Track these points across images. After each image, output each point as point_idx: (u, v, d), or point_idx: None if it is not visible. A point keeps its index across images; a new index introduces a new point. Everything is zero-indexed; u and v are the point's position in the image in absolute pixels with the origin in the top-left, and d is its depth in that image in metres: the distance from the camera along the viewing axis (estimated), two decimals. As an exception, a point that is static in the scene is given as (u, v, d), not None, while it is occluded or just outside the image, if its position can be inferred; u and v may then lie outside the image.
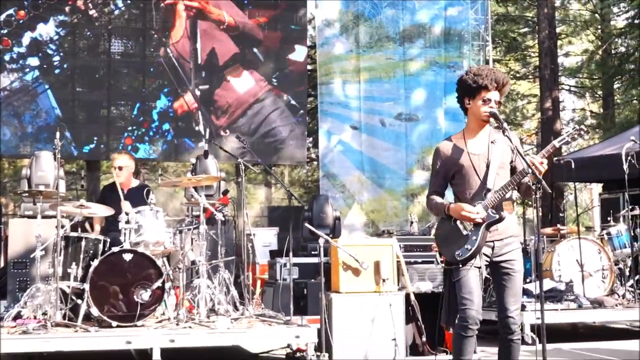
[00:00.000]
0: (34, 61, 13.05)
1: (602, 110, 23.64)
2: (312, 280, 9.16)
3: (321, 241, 7.11)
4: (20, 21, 12.96)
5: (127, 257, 6.85)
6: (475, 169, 4.79)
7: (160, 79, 13.61)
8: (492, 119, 4.81)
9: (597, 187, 19.22)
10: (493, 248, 4.77)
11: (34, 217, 7.73)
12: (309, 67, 16.62)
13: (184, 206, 9.12)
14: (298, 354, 7.18)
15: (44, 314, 6.68)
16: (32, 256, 7.22)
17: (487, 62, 15.07)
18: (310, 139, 19.13)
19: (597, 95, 24.70)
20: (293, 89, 14.38)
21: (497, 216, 4.68)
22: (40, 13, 13.06)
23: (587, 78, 24.30)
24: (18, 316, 6.77)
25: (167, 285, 6.99)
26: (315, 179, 19.18)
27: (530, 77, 24.05)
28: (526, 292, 8.38)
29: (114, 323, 6.63)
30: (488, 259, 4.78)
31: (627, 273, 9.63)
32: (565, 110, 26.19)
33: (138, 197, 7.72)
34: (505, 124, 4.72)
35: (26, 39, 12.98)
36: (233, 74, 13.95)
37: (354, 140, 14.51)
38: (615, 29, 22.10)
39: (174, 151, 14.14)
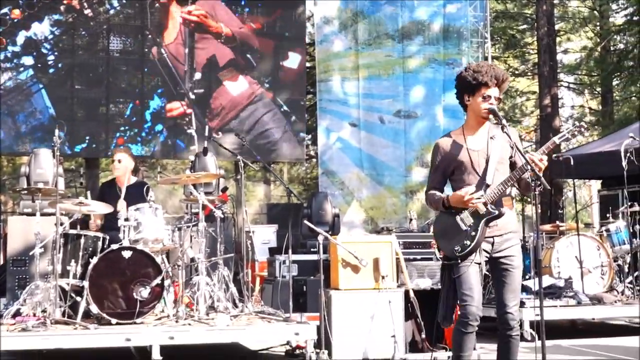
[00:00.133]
0: (28, 60, 13.04)
1: (601, 107, 23.65)
2: (312, 277, 9.16)
3: (320, 238, 7.11)
4: (15, 20, 12.93)
5: (126, 254, 6.84)
6: (474, 165, 4.79)
7: (155, 79, 13.59)
8: (491, 116, 4.81)
9: (596, 184, 19.28)
10: (493, 244, 4.77)
11: (33, 214, 7.72)
12: (307, 64, 16.63)
13: (183, 203, 9.11)
14: (297, 351, 7.18)
15: (43, 311, 6.67)
16: (31, 254, 7.22)
17: (486, 59, 15.07)
18: (309, 136, 19.13)
19: (596, 92, 24.69)
20: (287, 95, 14.39)
21: (497, 212, 4.68)
22: (35, 12, 13.04)
23: (586, 75, 24.31)
24: (17, 314, 6.76)
25: (167, 282, 6.99)
26: (314, 176, 19.17)
27: (529, 74, 24.04)
28: (525, 289, 8.39)
29: (114, 320, 6.63)
30: (488, 255, 4.78)
31: (626, 269, 9.63)
32: (564, 107, 26.21)
33: (137, 194, 7.71)
34: (504, 121, 4.73)
35: (21, 38, 12.97)
36: (228, 78, 13.95)
37: (353, 137, 14.51)
38: (614, 25, 22.10)
39: (166, 153, 14.19)
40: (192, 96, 13.67)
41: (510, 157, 4.84)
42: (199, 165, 9.38)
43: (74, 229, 7.20)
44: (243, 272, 7.90)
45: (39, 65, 13.08)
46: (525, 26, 23.84)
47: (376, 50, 14.83)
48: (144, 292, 6.74)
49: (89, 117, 13.35)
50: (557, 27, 21.78)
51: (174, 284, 7.37)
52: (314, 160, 19.69)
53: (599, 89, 23.79)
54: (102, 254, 6.87)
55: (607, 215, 10.31)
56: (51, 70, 13.21)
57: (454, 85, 4.98)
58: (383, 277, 6.96)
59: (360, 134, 14.52)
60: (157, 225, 7.24)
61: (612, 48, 22.29)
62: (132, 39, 13.56)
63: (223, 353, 7.54)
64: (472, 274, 4.69)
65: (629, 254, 9.61)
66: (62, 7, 13.22)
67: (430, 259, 9.07)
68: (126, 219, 7.14)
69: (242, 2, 14.28)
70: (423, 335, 7.05)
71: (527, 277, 8.99)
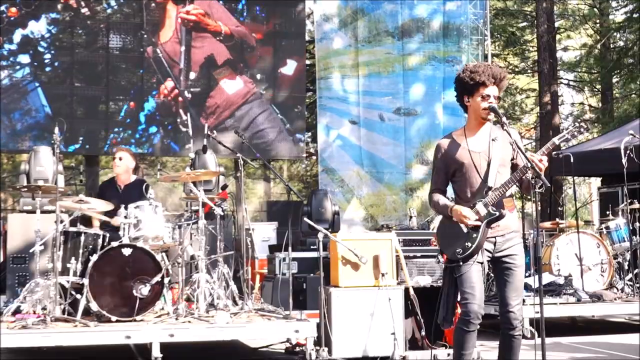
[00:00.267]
0: (25, 58, 13.02)
1: (600, 105, 23.64)
2: (311, 274, 9.18)
3: (320, 236, 7.11)
4: (12, 18, 12.91)
5: (126, 252, 6.84)
6: (476, 166, 4.79)
7: (150, 79, 13.58)
8: (491, 115, 4.81)
9: (596, 181, 19.26)
10: (495, 244, 4.77)
11: (33, 212, 7.72)
12: (307, 62, 16.62)
13: (182, 201, 9.13)
14: (297, 349, 7.18)
15: (44, 308, 6.67)
16: (31, 251, 7.22)
17: (485, 57, 15.08)
18: (309, 133, 19.12)
19: (596, 90, 24.68)
20: (283, 98, 14.39)
21: (498, 214, 4.69)
22: (31, 10, 13.02)
23: (585, 72, 24.29)
24: (17, 311, 6.77)
25: (166, 280, 6.99)
26: (314, 174, 19.18)
27: (529, 71, 24.01)
28: (525, 286, 8.36)
29: (113, 318, 6.63)
30: (490, 255, 4.78)
31: (626, 267, 9.64)
32: (564, 104, 26.16)
33: (136, 192, 7.72)
34: (504, 119, 4.72)
35: (17, 36, 12.95)
36: (224, 76, 13.94)
37: (353, 134, 14.51)
38: (613, 23, 22.09)
39: (159, 155, 14.19)
40: (188, 95, 13.66)
41: (512, 158, 4.84)
42: (198, 163, 9.38)
43: (74, 226, 7.20)
44: (243, 270, 7.90)
45: (36, 63, 13.07)
46: (525, 24, 23.81)
47: (376, 47, 14.83)
48: (144, 290, 6.74)
49: (86, 114, 13.34)
50: (557, 24, 21.78)
51: (174, 282, 7.38)
52: (314, 157, 19.68)
53: (598, 87, 23.79)
54: (102, 251, 6.87)
55: (607, 212, 10.31)
56: (48, 69, 13.19)
57: (454, 87, 4.99)
58: (383, 275, 6.96)
59: (360, 131, 14.52)
60: (157, 222, 7.25)
61: (612, 45, 22.28)
62: (131, 36, 13.55)
63: (223, 350, 7.54)
64: (474, 272, 4.70)
65: (629, 252, 9.62)
66: (59, 6, 13.20)
67: (430, 257, 9.07)
68: (126, 217, 7.15)
69: (240, 4, 14.26)
70: (423, 333, 7.05)
71: (527, 274, 8.98)
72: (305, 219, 7.98)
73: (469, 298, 4.66)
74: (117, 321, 6.63)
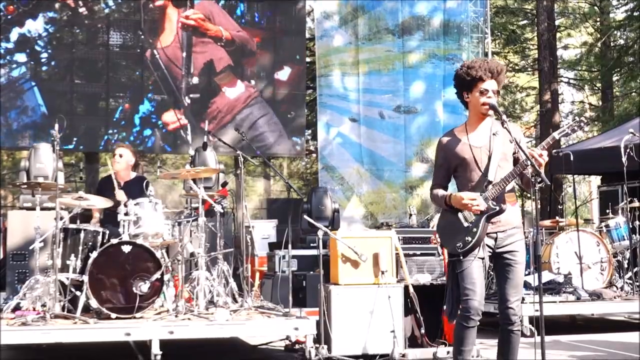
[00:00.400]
0: (21, 57, 13.00)
1: (601, 103, 23.63)
2: (311, 272, 9.18)
3: (320, 233, 7.11)
4: (9, 16, 12.89)
5: (126, 249, 6.84)
6: (477, 161, 4.79)
7: (148, 80, 13.57)
8: (491, 111, 4.81)
9: (595, 180, 19.24)
10: (496, 239, 4.77)
11: (32, 209, 7.73)
12: (308, 59, 16.61)
13: (182, 198, 9.12)
14: (297, 346, 7.18)
15: (43, 305, 6.67)
16: (31, 248, 7.22)
17: (486, 55, 15.07)
18: (309, 131, 19.11)
19: (596, 88, 24.67)
20: (284, 102, 14.39)
21: (497, 208, 4.68)
22: (29, 9, 13.01)
23: (586, 71, 24.28)
24: (17, 308, 6.76)
25: (166, 277, 6.99)
26: (314, 171, 19.16)
27: (529, 69, 24.02)
28: (525, 285, 8.37)
29: (113, 315, 6.63)
30: (491, 250, 4.78)
31: (626, 265, 9.64)
32: (564, 102, 26.18)
33: (136, 189, 7.72)
34: (504, 116, 4.72)
35: (14, 34, 12.93)
36: (225, 82, 13.93)
37: (353, 132, 14.51)
38: (614, 21, 22.08)
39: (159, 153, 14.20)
40: (188, 100, 13.65)
41: (514, 153, 4.83)
42: (198, 160, 9.38)
43: (74, 223, 7.20)
44: (243, 267, 7.90)
45: (32, 62, 13.05)
46: (525, 22, 23.80)
47: (376, 45, 14.83)
48: (143, 287, 6.74)
49: (86, 111, 13.35)
50: (557, 22, 21.77)
51: (173, 279, 7.38)
52: (314, 155, 19.68)
53: (599, 85, 23.77)
54: (101, 248, 6.87)
55: (607, 211, 10.30)
56: (44, 68, 13.17)
57: (453, 84, 5.00)
58: (383, 273, 6.96)
59: (360, 129, 14.52)
60: (157, 219, 7.25)
61: (612, 44, 22.27)
62: (131, 33, 13.53)
63: (222, 348, 7.55)
64: (475, 268, 4.70)
65: (629, 250, 9.62)
66: (56, 5, 13.18)
67: (430, 255, 9.07)
68: (126, 214, 7.15)
69: (240, 11, 14.24)
70: (422, 331, 7.05)
71: (526, 272, 8.97)
72: (305, 216, 7.99)
73: (470, 294, 4.66)
74: (116, 318, 6.63)
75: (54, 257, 6.66)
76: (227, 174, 12.72)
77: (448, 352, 6.65)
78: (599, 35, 22.50)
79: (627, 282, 9.39)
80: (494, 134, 4.81)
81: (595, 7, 22.34)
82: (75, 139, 13.30)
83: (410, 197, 14.53)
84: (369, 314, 6.86)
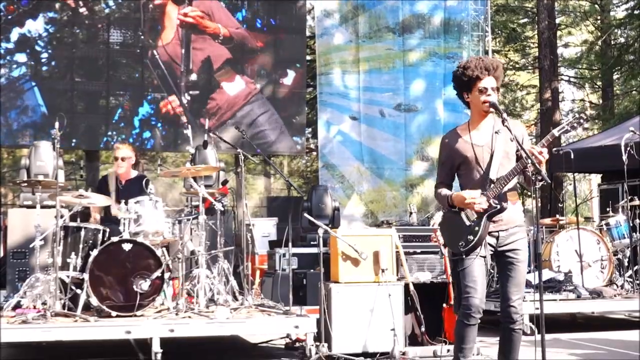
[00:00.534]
0: (21, 57, 12.99)
1: (601, 101, 23.62)
2: (311, 270, 9.18)
3: (320, 231, 7.11)
4: (9, 16, 12.87)
5: (127, 247, 6.85)
6: (479, 160, 4.79)
7: (148, 79, 13.55)
8: (492, 109, 4.81)
9: (596, 178, 19.24)
10: (498, 238, 4.78)
11: (33, 207, 7.73)
12: (308, 57, 16.60)
13: (183, 196, 9.13)
14: (297, 344, 7.19)
15: (44, 303, 6.68)
16: (31, 246, 7.23)
17: (486, 53, 15.05)
18: (310, 129, 19.11)
19: (597, 86, 24.66)
20: (285, 101, 14.39)
21: (498, 206, 4.68)
22: (29, 9, 12.99)
23: (586, 69, 24.27)
24: (17, 306, 6.77)
25: (167, 275, 7.00)
26: (315, 170, 19.17)
27: (529, 67, 24.01)
28: (525, 283, 8.38)
29: (114, 313, 6.64)
30: (493, 249, 4.79)
31: (626, 263, 9.65)
32: (564, 101, 26.18)
33: (137, 187, 7.72)
34: (504, 114, 4.72)
35: (14, 34, 12.91)
36: (225, 78, 13.91)
37: (353, 130, 14.50)
38: (614, 19, 22.05)
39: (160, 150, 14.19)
40: (188, 97, 13.64)
41: (517, 151, 4.83)
42: (199, 158, 9.39)
43: (74, 221, 7.20)
44: (243, 265, 7.90)
45: (33, 62, 13.03)
46: (526, 20, 23.79)
47: (377, 43, 14.81)
48: (144, 285, 6.75)
49: (86, 109, 13.32)
50: (557, 20, 21.76)
51: (174, 277, 7.38)
52: (314, 153, 19.67)
53: (599, 83, 23.76)
54: (102, 246, 6.88)
55: (607, 209, 10.31)
56: (44, 68, 13.16)
57: (453, 85, 5.00)
58: (383, 271, 6.96)
59: (360, 127, 14.51)
60: (157, 217, 7.25)
61: (612, 42, 22.25)
62: (132, 31, 13.52)
63: (223, 346, 7.55)
64: (477, 266, 4.70)
65: (629, 248, 9.62)
66: (57, 5, 13.17)
67: (430, 253, 9.07)
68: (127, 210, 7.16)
69: (242, 16, 14.24)
70: (423, 329, 7.06)
71: (526, 270, 8.99)
72: (306, 214, 7.98)
73: (471, 292, 4.67)
74: (117, 316, 6.63)
75: (54, 255, 6.66)
76: (228, 172, 12.73)
77: (448, 350, 6.65)
78: (599, 34, 22.49)
79: (627, 280, 9.40)
80: (496, 132, 4.81)
81: (596, 5, 22.34)
82: (74, 141, 13.31)
83: (411, 196, 14.52)
84: (369, 312, 6.86)
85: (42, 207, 7.33)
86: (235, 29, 14.04)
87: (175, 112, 13.55)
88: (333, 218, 10.86)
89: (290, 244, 7.34)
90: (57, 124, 6.94)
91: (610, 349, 7.43)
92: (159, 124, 13.63)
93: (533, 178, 4.53)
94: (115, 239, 6.92)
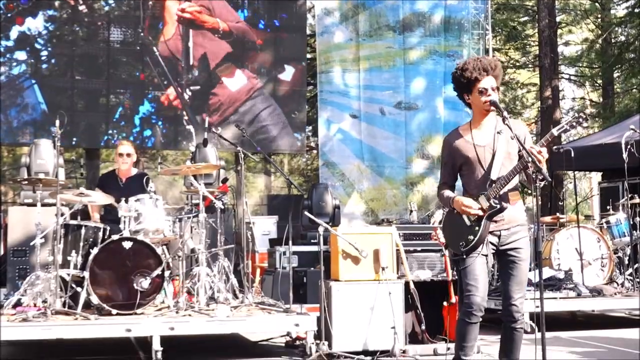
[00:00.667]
0: (21, 55, 12.98)
1: (601, 99, 23.61)
2: (312, 268, 9.18)
3: (321, 229, 7.11)
4: (9, 14, 12.86)
5: (127, 245, 6.85)
6: (480, 160, 4.79)
7: (148, 77, 13.54)
8: (493, 108, 4.81)
9: (596, 176, 19.26)
10: (499, 237, 4.78)
11: (33, 205, 7.74)
12: (308, 55, 16.59)
13: (183, 194, 9.13)
14: (297, 342, 7.19)
15: (44, 301, 6.68)
16: (31, 244, 7.23)
17: (486, 51, 15.05)
18: (310, 127, 19.10)
19: (597, 84, 24.65)
20: (286, 96, 14.38)
21: (498, 206, 4.68)
22: (28, 7, 12.98)
23: (586, 67, 24.26)
24: (18, 304, 6.77)
25: (167, 273, 7.00)
26: (315, 168, 19.17)
27: (530, 66, 24.00)
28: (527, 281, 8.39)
29: (114, 311, 6.64)
30: (494, 248, 4.79)
31: (626, 262, 9.65)
32: (565, 99, 26.17)
33: (137, 185, 7.72)
34: (505, 113, 4.71)
35: (14, 32, 12.90)
36: (226, 74, 13.90)
37: (354, 128, 14.50)
38: (615, 17, 22.04)
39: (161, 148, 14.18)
40: (189, 93, 13.64)
41: (519, 151, 4.82)
42: (199, 156, 9.38)
43: (75, 219, 7.20)
44: (243, 263, 7.90)
45: (32, 60, 13.03)
46: (526, 18, 23.79)
47: (377, 41, 14.81)
48: (144, 283, 6.75)
49: (87, 107, 13.32)
50: (558, 19, 21.74)
51: (174, 275, 7.38)
52: (315, 151, 19.67)
53: (599, 81, 23.75)
54: (102, 244, 6.88)
55: (608, 207, 10.31)
56: (44, 66, 13.15)
57: (452, 87, 5.01)
58: (383, 269, 6.96)
59: (360, 125, 14.51)
60: (158, 216, 7.25)
61: (613, 40, 22.24)
62: (132, 29, 13.52)
63: (223, 344, 7.55)
64: (478, 265, 4.70)
65: (629, 246, 9.62)
66: (56, 3, 13.16)
67: (431, 251, 9.07)
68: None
69: (243, 16, 14.23)
70: (423, 327, 7.06)
71: (528, 269, 8.99)
72: (306, 212, 8.00)
73: (472, 290, 4.67)
74: (117, 314, 6.64)
75: (54, 253, 6.67)
76: (228, 170, 12.72)
77: (449, 349, 6.63)
78: (599, 32, 22.47)
79: (627, 279, 9.39)
80: (498, 133, 4.80)
81: (596, 4, 22.33)
82: (74, 139, 13.31)
83: (411, 194, 14.52)
84: (369, 310, 6.86)
85: (43, 205, 7.33)
86: (235, 23, 14.03)
87: (176, 108, 13.54)
88: (333, 216, 10.86)
89: (290, 242, 7.35)
90: (57, 122, 6.94)
91: (611, 347, 7.43)
92: (160, 122, 13.63)
93: (534, 177, 4.53)
94: (115, 237, 6.93)
